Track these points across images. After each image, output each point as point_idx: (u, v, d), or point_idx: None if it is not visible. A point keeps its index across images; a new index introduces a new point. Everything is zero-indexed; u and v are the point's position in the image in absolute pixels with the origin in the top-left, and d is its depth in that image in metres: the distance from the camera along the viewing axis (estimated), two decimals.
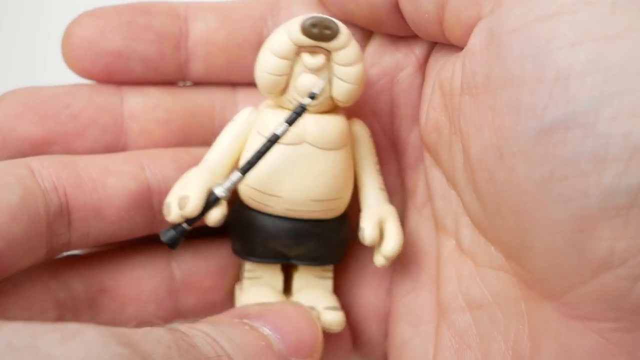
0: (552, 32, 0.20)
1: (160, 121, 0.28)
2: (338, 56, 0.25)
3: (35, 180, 0.25)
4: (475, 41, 0.23)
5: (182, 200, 0.25)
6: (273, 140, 0.25)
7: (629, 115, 0.19)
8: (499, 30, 0.22)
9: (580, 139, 0.20)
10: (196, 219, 0.25)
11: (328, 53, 0.25)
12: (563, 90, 0.20)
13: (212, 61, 0.29)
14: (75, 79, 0.28)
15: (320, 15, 0.24)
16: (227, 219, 0.26)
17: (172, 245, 0.25)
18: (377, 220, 0.26)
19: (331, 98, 0.26)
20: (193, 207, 0.25)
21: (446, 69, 0.25)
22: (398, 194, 0.29)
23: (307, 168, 0.25)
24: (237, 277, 0.29)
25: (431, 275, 0.27)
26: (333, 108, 0.26)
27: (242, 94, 0.29)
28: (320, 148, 0.25)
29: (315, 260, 0.27)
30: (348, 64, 0.25)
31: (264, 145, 0.25)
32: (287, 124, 0.25)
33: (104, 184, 0.26)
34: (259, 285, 0.28)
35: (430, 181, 0.27)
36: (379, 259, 0.26)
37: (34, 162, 0.25)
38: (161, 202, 0.26)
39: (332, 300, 0.27)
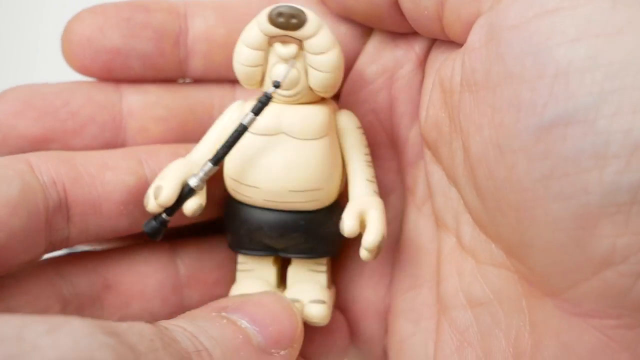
0: (552, 28, 0.20)
1: (159, 119, 0.28)
2: (309, 45, 0.25)
3: (35, 175, 0.25)
4: (475, 38, 0.23)
5: (156, 191, 0.26)
6: (240, 130, 0.25)
7: (629, 112, 0.19)
8: (499, 26, 0.22)
9: (580, 135, 0.20)
10: (174, 209, 0.26)
11: (300, 42, 0.25)
12: (563, 87, 0.20)
13: (212, 58, 0.29)
14: (75, 76, 0.28)
15: (288, 4, 0.24)
16: (223, 212, 0.26)
17: (153, 235, 0.26)
18: (358, 212, 0.26)
19: (310, 88, 0.26)
20: (166, 196, 0.25)
21: (446, 65, 0.25)
22: (398, 191, 0.29)
23: (284, 158, 0.25)
24: None
25: (431, 272, 0.27)
26: (319, 99, 0.26)
27: (241, 91, 0.29)
28: (297, 138, 0.25)
29: (304, 253, 0.27)
30: (320, 52, 0.25)
31: (231, 135, 0.25)
32: (252, 114, 0.25)
33: (103, 179, 0.26)
34: (251, 278, 0.28)
35: (430, 178, 0.27)
36: (362, 252, 0.26)
37: (33, 157, 0.25)
38: None
39: (320, 294, 0.27)
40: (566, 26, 0.20)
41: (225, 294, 0.28)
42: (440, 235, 0.27)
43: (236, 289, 0.28)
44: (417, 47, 0.27)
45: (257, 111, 0.25)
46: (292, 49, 0.25)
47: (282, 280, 0.28)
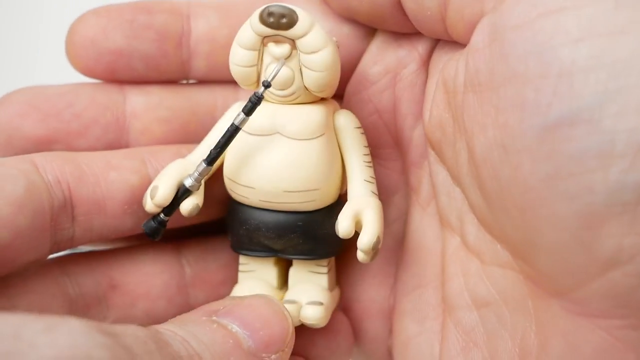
0: (556, 28, 0.20)
1: (162, 119, 0.28)
2: (301, 44, 0.25)
3: (39, 175, 0.25)
4: (478, 38, 0.23)
5: (152, 191, 0.26)
6: (232, 130, 0.25)
7: (634, 111, 0.19)
8: (502, 26, 0.21)
9: (585, 135, 0.20)
10: (171, 209, 0.26)
11: (293, 42, 0.25)
12: (567, 86, 0.20)
13: (214, 59, 0.29)
14: (79, 77, 0.28)
15: (279, 4, 0.24)
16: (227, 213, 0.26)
17: (152, 235, 0.26)
18: (354, 212, 0.25)
19: (307, 89, 0.25)
20: (161, 196, 0.25)
21: (449, 66, 0.25)
22: (402, 191, 0.29)
23: (279, 158, 0.25)
24: None
25: (436, 272, 0.27)
26: (319, 100, 0.26)
27: (244, 92, 0.29)
28: (292, 138, 0.25)
29: (303, 254, 0.27)
30: (313, 51, 0.25)
31: (223, 135, 0.25)
32: (244, 114, 0.25)
33: (107, 178, 0.26)
34: (252, 279, 0.28)
35: (434, 178, 0.27)
36: (358, 253, 0.25)
37: (38, 157, 0.25)
38: None
39: (318, 296, 0.27)
40: (570, 26, 0.20)
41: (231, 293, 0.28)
42: (445, 235, 0.27)
43: (238, 290, 0.28)
44: (420, 48, 0.27)
45: (248, 111, 0.25)
46: (284, 48, 0.25)
47: (285, 282, 0.28)
